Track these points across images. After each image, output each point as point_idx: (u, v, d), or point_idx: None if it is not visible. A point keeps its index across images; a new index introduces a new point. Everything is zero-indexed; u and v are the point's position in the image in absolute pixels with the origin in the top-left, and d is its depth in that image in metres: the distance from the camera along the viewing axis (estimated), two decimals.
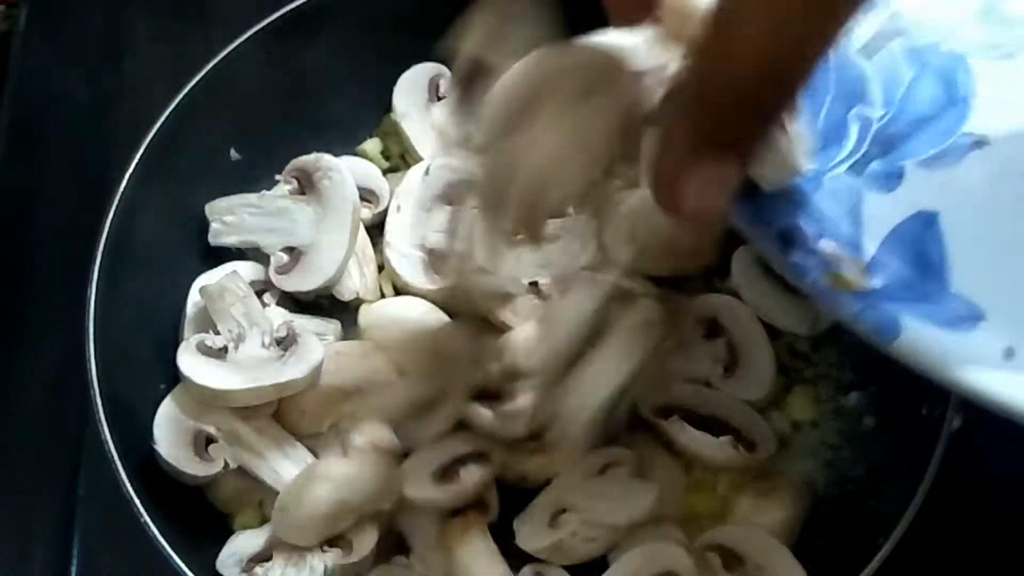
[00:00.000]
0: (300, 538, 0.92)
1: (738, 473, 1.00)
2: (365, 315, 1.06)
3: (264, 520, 0.98)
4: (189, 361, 0.97)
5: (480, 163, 0.71)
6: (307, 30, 1.11)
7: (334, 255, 1.05)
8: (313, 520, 0.91)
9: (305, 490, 0.92)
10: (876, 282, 0.62)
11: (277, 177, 1.09)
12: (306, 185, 1.08)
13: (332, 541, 0.92)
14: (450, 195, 1.07)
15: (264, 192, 1.08)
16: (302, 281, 1.05)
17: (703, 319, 1.03)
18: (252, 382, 0.96)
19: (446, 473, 0.94)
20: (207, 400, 0.97)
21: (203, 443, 0.96)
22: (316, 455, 0.97)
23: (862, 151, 0.68)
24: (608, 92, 0.65)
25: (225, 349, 0.99)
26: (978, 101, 0.70)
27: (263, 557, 0.92)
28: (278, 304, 1.07)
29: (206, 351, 0.98)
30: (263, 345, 0.99)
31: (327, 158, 1.07)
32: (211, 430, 0.96)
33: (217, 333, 1.00)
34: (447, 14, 1.15)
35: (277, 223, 1.07)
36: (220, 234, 1.07)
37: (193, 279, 1.06)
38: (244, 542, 0.95)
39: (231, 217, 1.07)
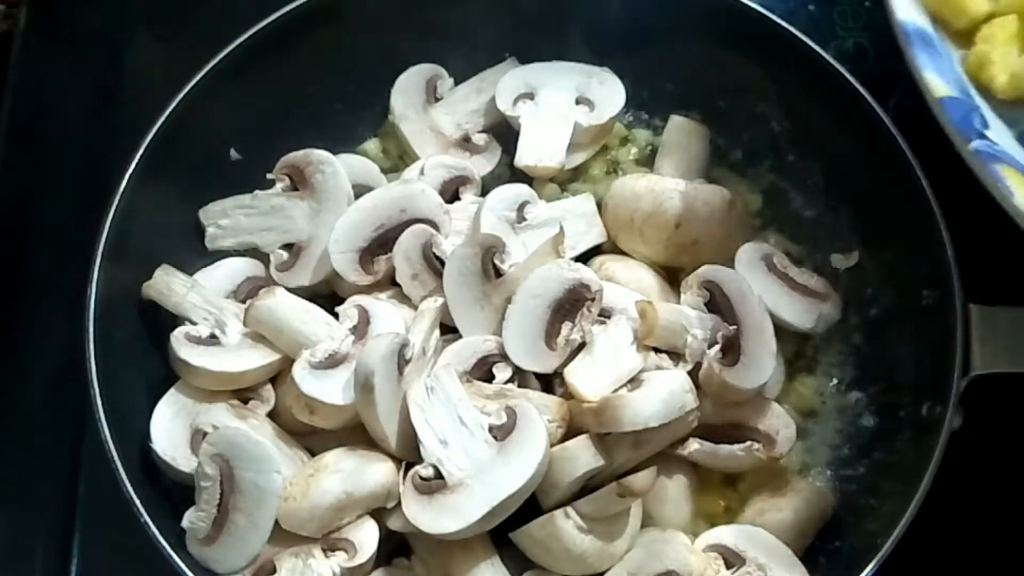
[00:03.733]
0: (305, 528, 0.92)
1: (756, 472, 0.99)
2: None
3: None
4: (190, 352, 0.97)
5: None
6: (306, 31, 1.11)
7: None
8: (319, 511, 0.91)
9: (312, 481, 0.92)
10: None
11: (270, 176, 1.09)
12: (298, 181, 1.07)
13: (335, 544, 0.92)
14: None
15: (257, 192, 1.08)
16: (304, 276, 1.05)
17: (706, 284, 1.00)
18: (265, 358, 0.98)
19: None
20: (221, 384, 0.97)
21: (200, 441, 0.96)
22: (312, 453, 0.97)
23: None
24: None
25: (214, 336, 0.99)
26: None
27: (267, 570, 0.92)
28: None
29: (199, 341, 0.99)
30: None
31: (317, 152, 1.07)
32: (208, 429, 0.96)
33: (194, 323, 1.00)
34: (446, 14, 1.17)
35: (273, 221, 1.07)
36: (217, 238, 1.07)
37: None
38: None
39: (226, 220, 1.07)
